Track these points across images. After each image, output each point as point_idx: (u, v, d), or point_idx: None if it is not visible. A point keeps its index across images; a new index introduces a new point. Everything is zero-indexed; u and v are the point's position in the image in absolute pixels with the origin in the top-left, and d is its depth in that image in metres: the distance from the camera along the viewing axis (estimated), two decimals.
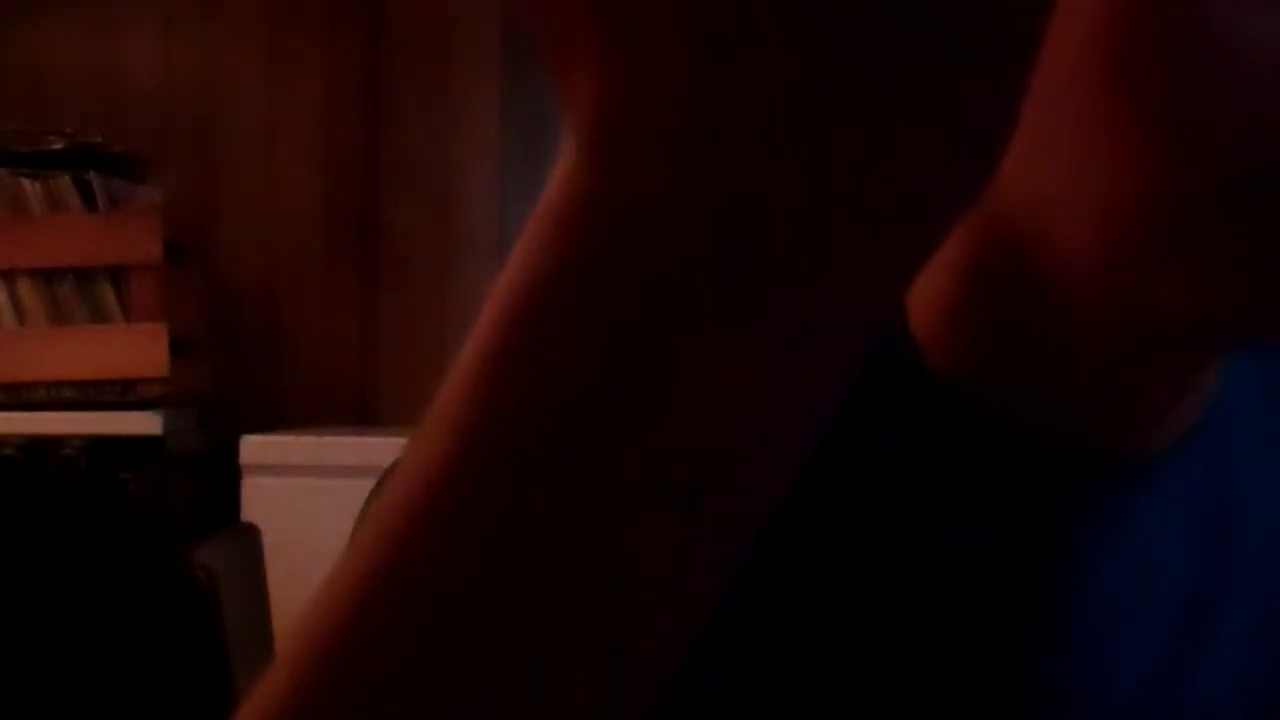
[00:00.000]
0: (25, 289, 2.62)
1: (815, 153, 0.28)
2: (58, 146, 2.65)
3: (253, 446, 2.54)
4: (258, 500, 2.48)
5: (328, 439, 2.57)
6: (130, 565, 2.44)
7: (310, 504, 2.38)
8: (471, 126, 2.99)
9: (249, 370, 3.00)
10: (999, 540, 0.58)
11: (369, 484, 0.64)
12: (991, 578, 0.59)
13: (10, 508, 2.46)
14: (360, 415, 3.00)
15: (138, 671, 2.41)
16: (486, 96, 2.99)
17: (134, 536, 2.46)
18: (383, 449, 2.18)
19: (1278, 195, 0.45)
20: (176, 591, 2.15)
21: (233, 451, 2.54)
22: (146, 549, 2.45)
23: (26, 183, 2.62)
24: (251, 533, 2.17)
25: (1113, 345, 0.53)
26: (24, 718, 2.46)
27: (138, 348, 2.59)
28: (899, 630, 0.58)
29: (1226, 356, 0.59)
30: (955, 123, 0.28)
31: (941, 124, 0.28)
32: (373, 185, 3.01)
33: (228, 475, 2.54)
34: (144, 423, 2.53)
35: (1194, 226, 0.46)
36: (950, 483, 0.58)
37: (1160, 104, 0.45)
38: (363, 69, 3.01)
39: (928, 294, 0.57)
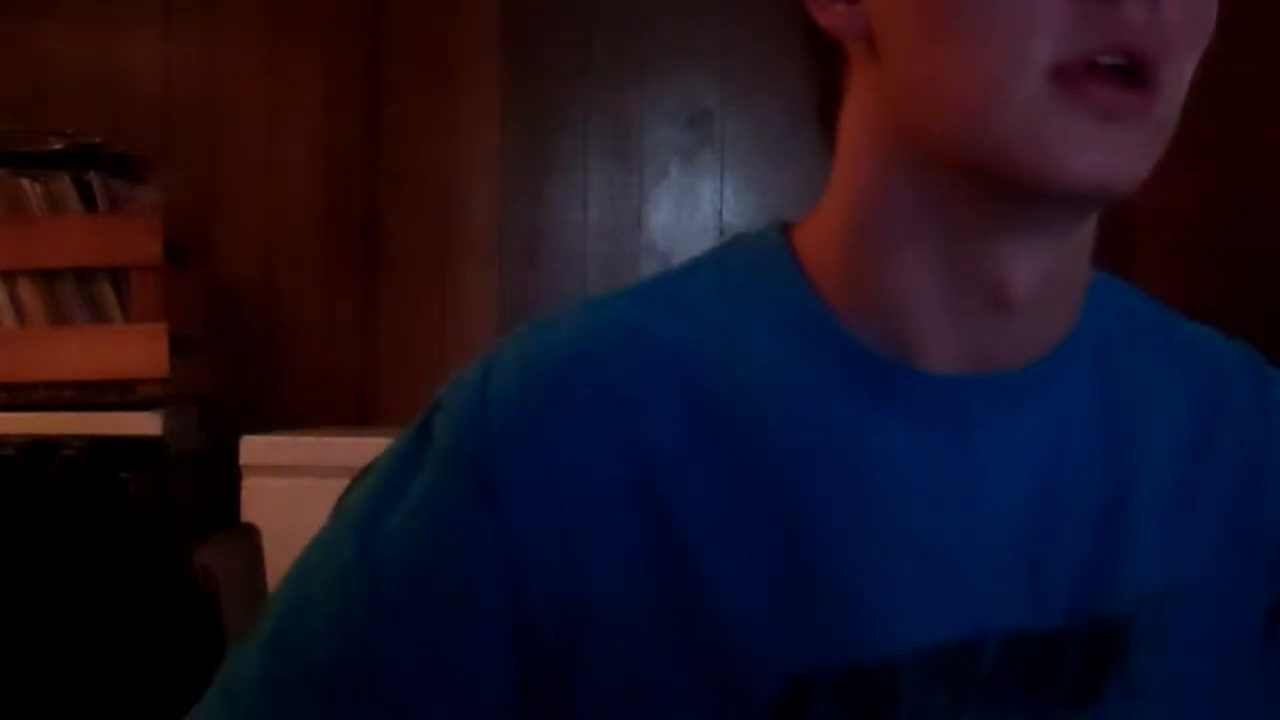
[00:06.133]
0: (25, 289, 2.62)
1: None
2: (58, 146, 2.65)
3: (253, 446, 2.54)
4: (258, 500, 2.48)
5: (327, 439, 2.57)
6: (130, 565, 2.44)
7: (310, 504, 2.36)
8: (471, 127, 2.99)
9: (249, 370, 2.99)
10: (912, 450, 0.64)
11: None
12: (908, 481, 0.65)
13: (10, 508, 2.46)
14: (360, 415, 3.00)
15: (138, 672, 2.41)
16: (486, 98, 2.99)
17: (134, 536, 2.46)
18: (382, 449, 2.18)
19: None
20: (176, 591, 2.15)
21: (233, 451, 2.53)
22: (146, 549, 2.45)
23: (26, 183, 2.62)
24: (251, 533, 2.17)
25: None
26: (24, 718, 2.46)
27: (138, 348, 2.58)
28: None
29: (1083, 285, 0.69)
30: None
31: None
32: (373, 186, 3.01)
33: (228, 475, 2.54)
34: (144, 423, 2.53)
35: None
36: (860, 405, 0.66)
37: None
38: (363, 70, 3.01)
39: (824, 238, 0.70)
